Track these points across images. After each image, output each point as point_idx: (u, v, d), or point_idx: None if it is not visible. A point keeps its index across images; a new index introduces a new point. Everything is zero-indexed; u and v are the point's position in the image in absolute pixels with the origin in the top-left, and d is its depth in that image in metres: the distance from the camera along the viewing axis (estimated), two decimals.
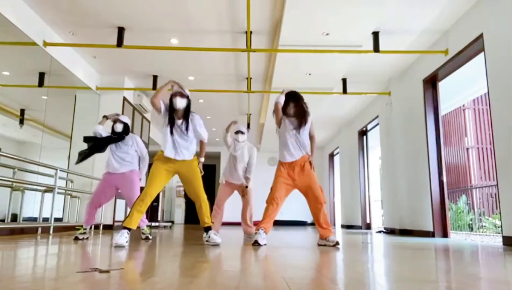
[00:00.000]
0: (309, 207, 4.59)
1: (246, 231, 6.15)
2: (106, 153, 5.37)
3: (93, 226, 8.03)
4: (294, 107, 4.66)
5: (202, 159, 4.57)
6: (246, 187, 6.13)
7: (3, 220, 6.31)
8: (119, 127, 5.32)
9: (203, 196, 4.40)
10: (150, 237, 5.46)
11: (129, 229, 4.10)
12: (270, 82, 8.32)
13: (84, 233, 5.16)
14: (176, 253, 3.43)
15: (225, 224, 15.77)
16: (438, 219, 6.87)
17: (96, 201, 5.21)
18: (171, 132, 4.28)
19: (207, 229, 4.45)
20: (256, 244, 4.31)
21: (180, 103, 4.26)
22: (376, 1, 5.30)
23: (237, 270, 2.42)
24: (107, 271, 2.13)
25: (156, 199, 11.22)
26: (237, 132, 6.24)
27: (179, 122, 4.33)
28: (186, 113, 4.34)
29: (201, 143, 4.62)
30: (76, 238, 5.04)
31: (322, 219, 4.52)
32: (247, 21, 6.01)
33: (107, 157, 5.36)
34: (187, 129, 4.30)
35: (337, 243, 4.40)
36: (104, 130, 5.33)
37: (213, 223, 5.44)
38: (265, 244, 4.38)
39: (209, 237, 4.40)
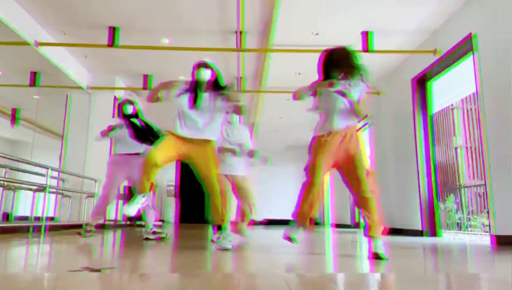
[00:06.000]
0: None
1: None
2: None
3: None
4: None
5: None
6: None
7: None
8: (129, 109, 4.99)
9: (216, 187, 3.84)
10: (152, 237, 4.90)
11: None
12: (262, 81, 8.34)
13: (90, 230, 4.79)
14: (176, 253, 3.45)
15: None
16: (427, 218, 6.93)
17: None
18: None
19: (220, 228, 3.81)
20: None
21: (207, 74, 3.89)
22: (366, 1, 5.34)
23: (237, 270, 2.44)
24: (98, 270, 2.15)
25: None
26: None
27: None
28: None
29: None
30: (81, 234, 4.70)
31: None
32: (239, 21, 6.04)
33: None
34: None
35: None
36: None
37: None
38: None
39: (218, 238, 3.75)
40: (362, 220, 3.38)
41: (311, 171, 3.34)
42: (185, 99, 3.81)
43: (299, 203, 3.39)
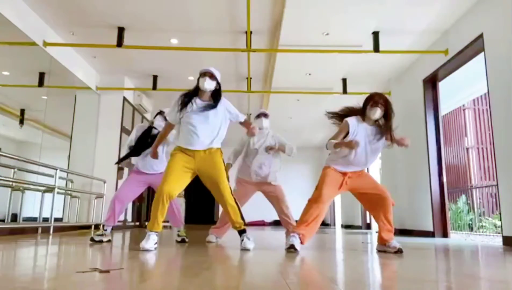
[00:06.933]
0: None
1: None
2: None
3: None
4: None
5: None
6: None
7: (3, 220, 6.30)
8: (162, 123, 4.60)
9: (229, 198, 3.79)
10: (187, 239, 4.77)
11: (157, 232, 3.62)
12: (270, 82, 8.31)
13: (104, 234, 4.41)
14: (176, 253, 3.42)
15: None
16: (438, 219, 6.87)
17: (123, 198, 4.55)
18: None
19: (241, 232, 3.83)
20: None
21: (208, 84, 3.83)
22: (376, 1, 5.30)
23: (237, 270, 2.41)
24: (107, 271, 2.12)
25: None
26: (259, 116, 5.10)
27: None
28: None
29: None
30: (92, 240, 4.34)
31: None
32: (247, 21, 6.01)
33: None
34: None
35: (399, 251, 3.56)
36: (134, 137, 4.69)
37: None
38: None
39: (242, 241, 3.78)
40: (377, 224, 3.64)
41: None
42: (189, 112, 3.80)
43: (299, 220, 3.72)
